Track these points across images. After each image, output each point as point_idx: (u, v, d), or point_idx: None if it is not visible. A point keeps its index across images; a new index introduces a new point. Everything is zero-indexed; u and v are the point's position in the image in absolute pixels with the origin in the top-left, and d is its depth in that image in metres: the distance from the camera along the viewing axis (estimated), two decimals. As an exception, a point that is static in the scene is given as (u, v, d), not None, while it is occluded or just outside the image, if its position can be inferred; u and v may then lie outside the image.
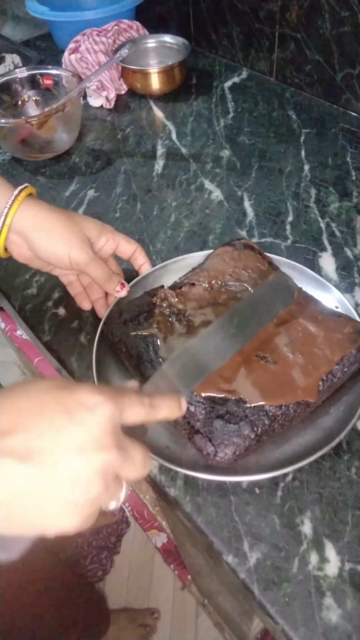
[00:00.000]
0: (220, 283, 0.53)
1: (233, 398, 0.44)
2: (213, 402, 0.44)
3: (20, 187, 0.50)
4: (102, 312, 0.56)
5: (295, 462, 0.43)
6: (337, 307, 0.53)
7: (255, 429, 0.43)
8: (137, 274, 0.58)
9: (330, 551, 0.41)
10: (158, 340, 0.48)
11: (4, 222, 0.48)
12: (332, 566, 0.40)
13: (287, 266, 0.57)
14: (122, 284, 0.54)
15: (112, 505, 0.31)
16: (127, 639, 1.17)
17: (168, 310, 0.50)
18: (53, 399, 0.29)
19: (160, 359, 0.47)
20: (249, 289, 0.52)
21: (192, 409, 0.44)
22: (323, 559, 0.40)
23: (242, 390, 0.44)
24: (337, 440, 0.43)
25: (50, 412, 0.28)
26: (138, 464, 0.31)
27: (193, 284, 0.53)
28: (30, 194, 0.51)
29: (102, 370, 0.50)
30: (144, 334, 0.48)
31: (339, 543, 0.41)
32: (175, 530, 0.86)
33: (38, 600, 0.88)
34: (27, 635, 0.84)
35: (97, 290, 0.56)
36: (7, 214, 0.48)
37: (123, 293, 0.54)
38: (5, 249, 0.51)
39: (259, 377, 0.45)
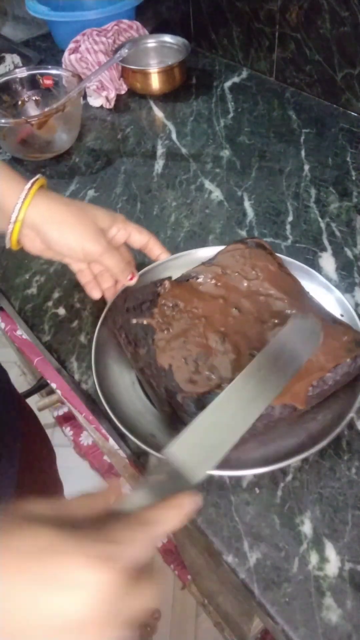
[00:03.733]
0: (226, 279, 0.53)
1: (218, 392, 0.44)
2: (201, 395, 0.44)
3: (32, 180, 0.50)
4: (111, 298, 0.56)
5: (274, 463, 0.43)
6: (342, 315, 0.53)
7: None
8: (149, 262, 0.58)
9: (330, 551, 0.41)
10: (156, 330, 0.48)
11: (16, 217, 0.48)
12: (332, 566, 0.40)
13: (292, 266, 0.56)
14: (132, 274, 0.54)
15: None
16: (127, 638, 1.17)
17: (171, 301, 0.50)
18: (34, 566, 0.25)
19: (155, 347, 0.47)
20: (260, 289, 0.52)
21: (179, 399, 0.44)
22: (323, 559, 0.40)
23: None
24: (318, 447, 0.43)
25: (30, 588, 0.25)
26: (147, 602, 0.28)
27: (199, 278, 0.53)
28: (41, 186, 0.51)
29: (101, 353, 0.51)
30: (143, 322, 0.49)
31: (339, 543, 0.41)
32: (175, 530, 0.86)
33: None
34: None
35: (107, 279, 0.56)
36: (19, 209, 0.48)
37: (133, 282, 0.54)
38: (17, 242, 0.52)
39: None
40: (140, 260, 0.59)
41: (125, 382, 0.51)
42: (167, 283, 0.52)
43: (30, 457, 0.68)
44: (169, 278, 0.53)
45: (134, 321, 0.49)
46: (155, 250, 0.57)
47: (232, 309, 0.50)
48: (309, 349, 0.41)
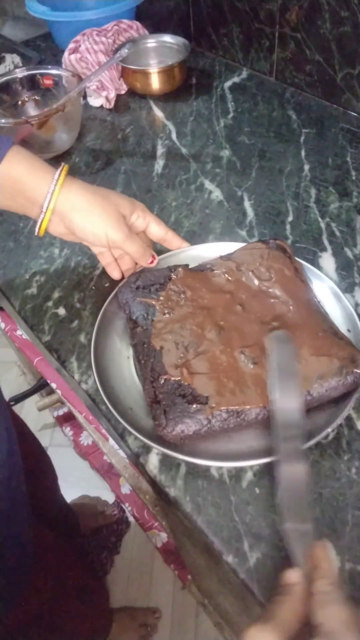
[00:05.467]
0: (238, 276, 0.53)
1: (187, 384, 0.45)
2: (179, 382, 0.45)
3: (59, 170, 0.51)
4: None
5: (239, 460, 0.44)
6: (349, 331, 0.51)
7: (209, 417, 0.43)
8: (166, 250, 0.60)
9: (330, 551, 0.41)
10: (158, 312, 0.50)
11: (47, 206, 0.51)
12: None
13: (317, 277, 0.56)
14: (153, 256, 0.57)
15: None
16: (127, 637, 1.17)
17: (180, 288, 0.52)
18: None
19: (152, 328, 0.49)
20: (269, 290, 0.52)
21: (161, 381, 0.45)
22: (323, 559, 0.40)
23: (199, 384, 0.45)
24: (330, 429, 0.44)
25: None
26: None
27: (213, 270, 0.54)
28: (66, 174, 0.52)
29: (104, 324, 0.53)
30: (148, 302, 0.51)
31: (339, 543, 0.41)
32: (175, 530, 0.86)
33: (39, 597, 0.87)
34: (27, 632, 0.84)
35: (127, 261, 0.58)
36: (50, 199, 0.50)
37: (154, 264, 0.57)
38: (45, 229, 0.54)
39: (228, 373, 0.45)
40: (159, 247, 0.60)
41: (120, 356, 0.53)
42: (181, 270, 0.53)
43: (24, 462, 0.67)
44: (186, 266, 0.55)
45: (140, 299, 0.51)
46: (175, 242, 0.59)
47: (236, 305, 0.51)
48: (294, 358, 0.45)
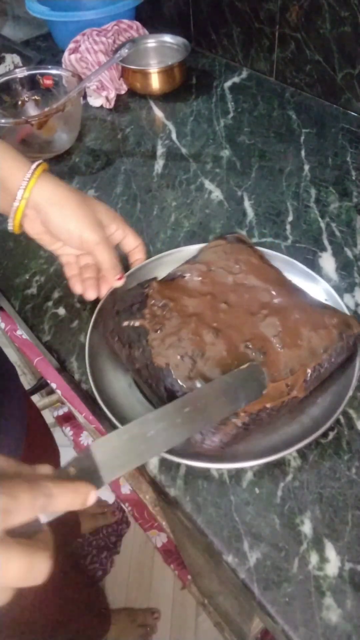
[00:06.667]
0: (212, 275, 0.53)
1: None
2: None
3: (36, 163, 0.50)
4: (91, 295, 0.55)
5: (283, 449, 0.43)
6: (326, 300, 0.54)
7: (243, 415, 0.43)
8: (130, 265, 0.58)
9: (330, 551, 0.41)
10: (149, 330, 0.48)
11: (22, 195, 0.49)
12: (332, 566, 0.40)
13: (278, 260, 0.57)
14: (121, 274, 0.54)
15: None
16: (127, 638, 1.17)
17: (160, 301, 0.50)
18: None
19: (150, 348, 0.47)
20: (245, 282, 0.52)
21: (179, 397, 0.44)
22: (323, 559, 0.40)
23: None
24: (322, 430, 0.44)
25: None
26: (19, 579, 0.27)
27: (184, 277, 0.53)
28: (44, 170, 0.51)
29: (95, 357, 0.51)
30: (135, 324, 0.49)
31: (339, 543, 0.41)
32: (175, 530, 0.86)
33: (38, 595, 0.87)
34: (26, 632, 0.84)
35: (90, 271, 0.56)
36: (25, 187, 0.49)
37: (120, 283, 0.55)
38: (20, 224, 0.52)
39: None
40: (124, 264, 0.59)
41: (121, 386, 0.51)
42: (154, 284, 0.52)
43: (34, 454, 0.68)
44: (155, 279, 0.53)
45: (126, 324, 0.49)
46: (137, 254, 0.57)
47: (221, 304, 0.51)
48: (250, 396, 0.43)
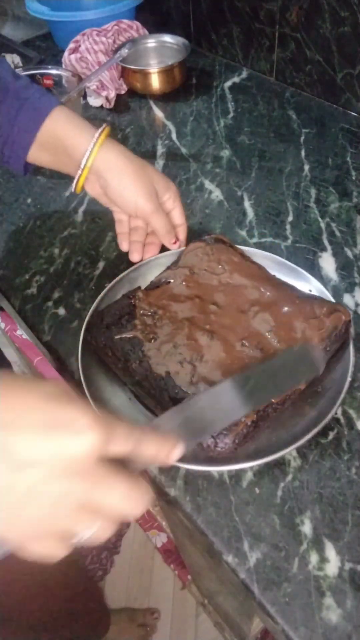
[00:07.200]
0: (196, 278, 0.53)
1: None
2: None
3: (99, 130, 0.53)
4: (136, 257, 0.59)
5: (293, 442, 0.43)
6: (310, 290, 0.55)
7: (252, 416, 0.43)
8: (117, 272, 0.58)
9: (330, 551, 0.41)
10: (143, 341, 0.48)
11: (85, 164, 0.53)
12: (332, 566, 0.40)
13: (261, 256, 0.57)
14: (176, 240, 0.58)
15: (74, 539, 0.29)
16: (127, 638, 1.17)
17: (149, 310, 0.50)
18: (42, 407, 0.27)
19: (147, 358, 0.47)
20: (230, 281, 0.53)
21: None
22: (323, 559, 0.40)
23: None
24: (329, 417, 0.44)
25: (35, 418, 0.26)
26: (120, 501, 0.28)
27: (169, 282, 0.53)
28: (107, 135, 0.54)
29: (90, 375, 0.50)
30: (127, 336, 0.48)
31: (339, 543, 0.41)
32: (175, 530, 0.86)
33: (38, 595, 0.88)
34: (26, 632, 0.84)
35: (139, 235, 0.59)
36: (88, 156, 0.53)
37: (176, 246, 0.58)
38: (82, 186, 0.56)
39: (244, 367, 0.46)
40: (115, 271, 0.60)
41: (121, 400, 0.50)
42: (139, 293, 0.52)
43: None
44: (139, 288, 0.53)
45: (118, 337, 0.49)
46: (179, 233, 0.59)
47: (210, 305, 0.51)
48: (307, 375, 0.43)
